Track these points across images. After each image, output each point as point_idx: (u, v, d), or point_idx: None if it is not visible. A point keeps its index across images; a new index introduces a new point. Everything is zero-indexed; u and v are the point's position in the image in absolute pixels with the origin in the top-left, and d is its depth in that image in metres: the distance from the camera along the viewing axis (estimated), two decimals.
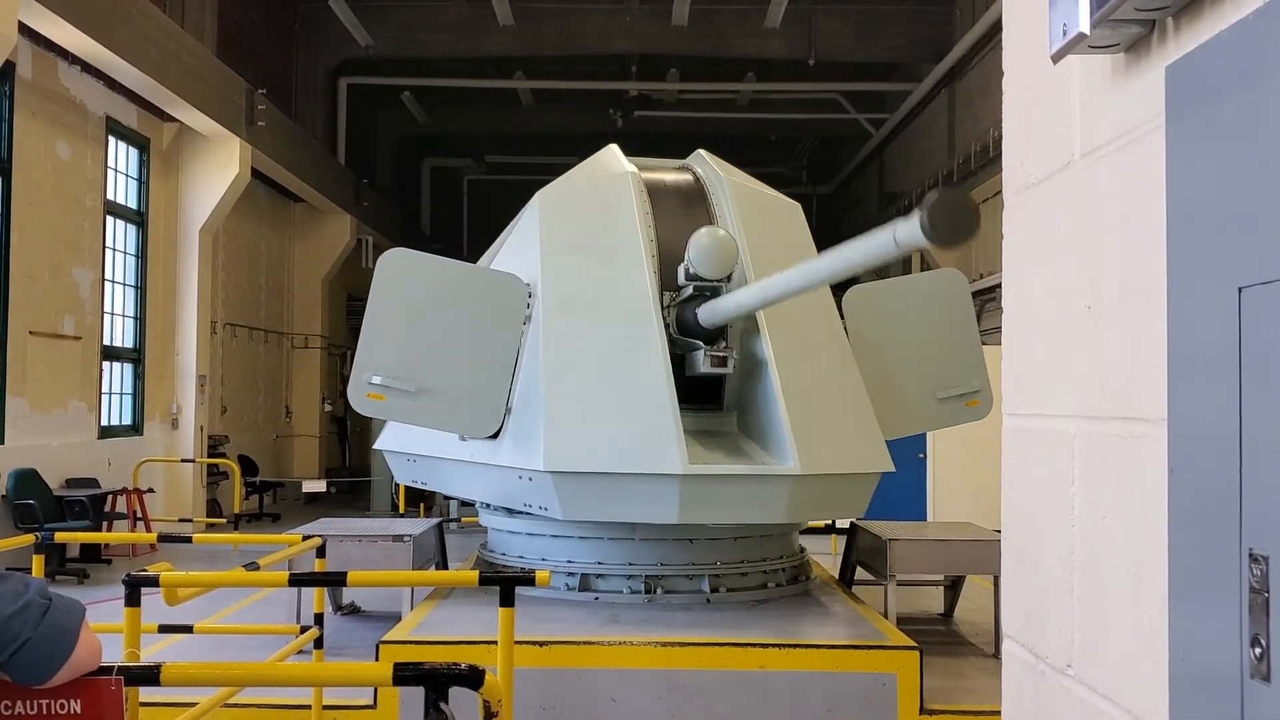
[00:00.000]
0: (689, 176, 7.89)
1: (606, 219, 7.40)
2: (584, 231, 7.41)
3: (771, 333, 7.03)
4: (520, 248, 7.60)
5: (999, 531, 2.10)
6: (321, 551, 6.15)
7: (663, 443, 6.53)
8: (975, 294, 18.06)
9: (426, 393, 6.79)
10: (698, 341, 6.88)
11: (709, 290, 6.82)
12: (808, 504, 6.94)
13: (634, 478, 6.54)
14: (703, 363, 6.85)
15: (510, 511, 7.72)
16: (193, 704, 4.62)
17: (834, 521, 11.72)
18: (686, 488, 6.52)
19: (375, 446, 9.19)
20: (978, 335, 8.24)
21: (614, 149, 8.02)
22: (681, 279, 6.91)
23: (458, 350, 6.91)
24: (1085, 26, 1.43)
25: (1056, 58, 1.55)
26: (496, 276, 7.19)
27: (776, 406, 6.78)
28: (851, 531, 8.81)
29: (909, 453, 12.76)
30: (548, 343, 6.84)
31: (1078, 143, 1.69)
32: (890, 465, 7.17)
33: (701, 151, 8.18)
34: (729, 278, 6.86)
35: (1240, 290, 1.22)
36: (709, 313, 6.67)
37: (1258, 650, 1.20)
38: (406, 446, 8.20)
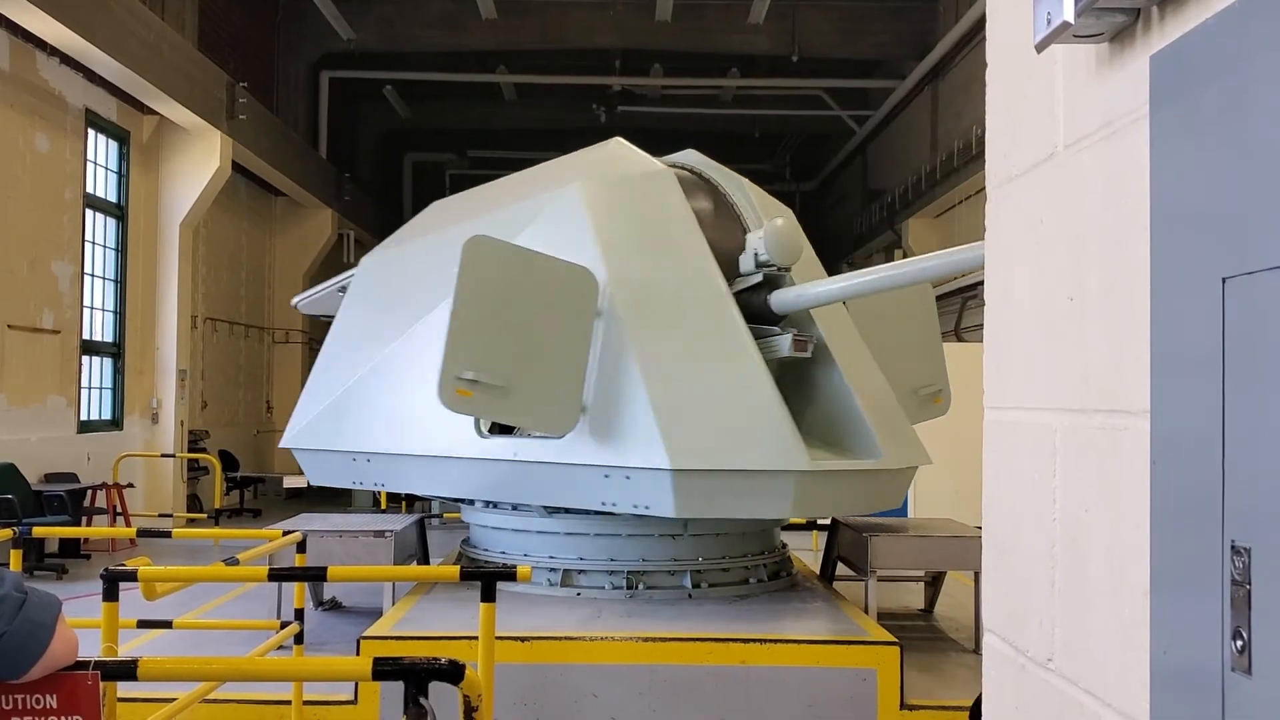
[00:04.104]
0: (690, 174, 7.91)
1: (658, 215, 7.32)
2: (639, 227, 7.26)
3: (825, 328, 7.21)
4: (557, 236, 7.18)
5: (979, 527, 2.10)
6: (302, 547, 6.13)
7: (782, 439, 6.51)
8: (957, 291, 18.14)
9: (514, 389, 6.42)
10: (770, 327, 7.02)
11: (774, 277, 7.01)
12: (883, 496, 7.16)
13: (753, 474, 6.48)
14: (788, 348, 6.92)
15: (490, 505, 7.70)
16: (171, 699, 4.60)
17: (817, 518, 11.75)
18: (802, 484, 6.53)
19: (282, 445, 8.81)
20: (939, 335, 8.54)
21: (621, 141, 7.92)
22: (749, 266, 7.05)
23: (537, 344, 6.58)
24: (1070, 15, 1.42)
25: (1040, 47, 1.54)
26: (568, 268, 6.80)
27: (853, 402, 6.96)
28: (833, 527, 8.83)
29: None
30: (635, 338, 6.65)
31: (1061, 134, 1.69)
32: (929, 459, 7.48)
33: (691, 151, 8.19)
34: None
35: (1224, 281, 1.22)
36: (794, 297, 6.86)
37: (1239, 643, 1.19)
38: (350, 444, 7.99)
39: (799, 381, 7.09)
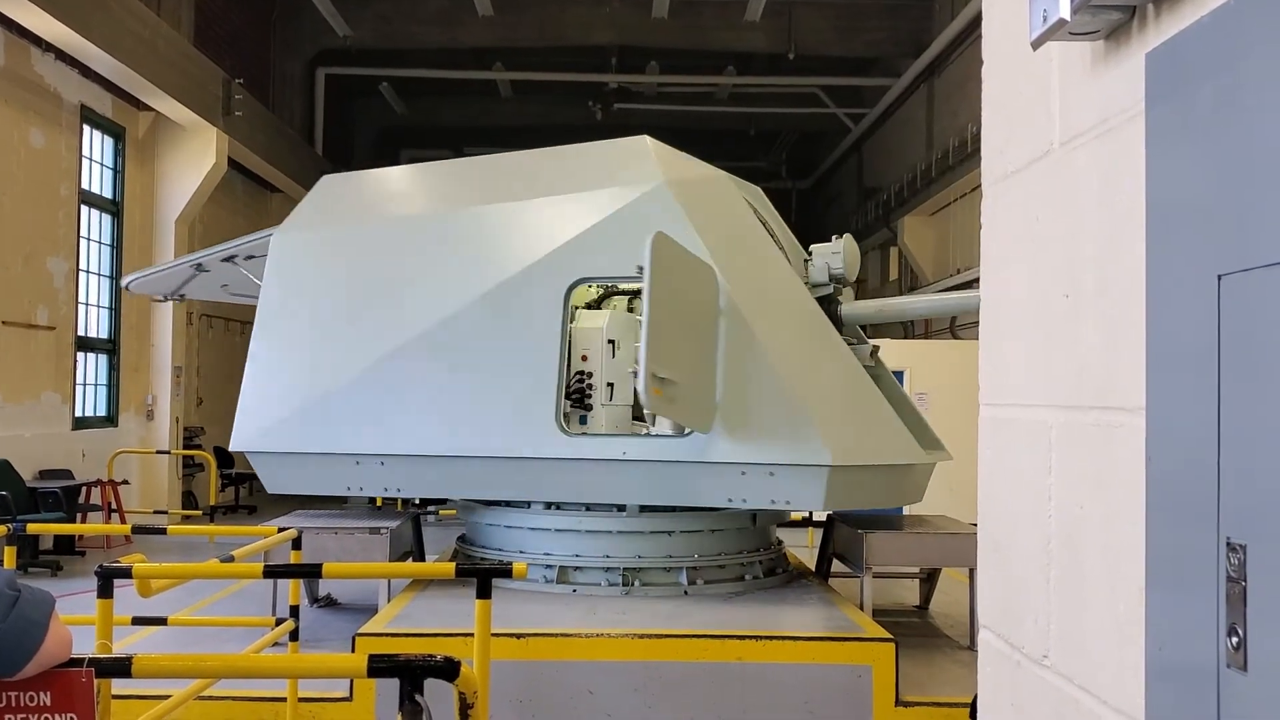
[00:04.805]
0: None
1: (735, 218, 7.40)
2: (727, 228, 7.25)
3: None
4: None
5: (974, 524, 2.10)
6: (297, 544, 6.12)
7: (903, 436, 6.94)
8: (952, 289, 18.15)
9: (682, 385, 6.38)
10: (850, 337, 7.62)
11: (838, 291, 7.63)
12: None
13: (889, 469, 6.94)
14: (868, 356, 7.53)
15: (487, 503, 7.69)
16: (166, 696, 4.59)
17: (811, 514, 11.79)
18: (912, 476, 7.19)
19: (237, 448, 7.88)
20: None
21: (648, 139, 7.70)
22: (821, 278, 7.51)
23: (692, 341, 6.59)
24: (1066, 12, 1.42)
25: (1036, 44, 1.54)
26: (703, 265, 6.74)
27: (912, 404, 7.59)
28: (828, 524, 8.84)
29: None
30: (764, 338, 6.73)
31: (1057, 131, 1.69)
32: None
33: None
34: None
35: (1220, 278, 1.22)
36: (874, 311, 7.68)
37: (1235, 640, 1.19)
38: (352, 446, 7.39)
39: None
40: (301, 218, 8.55)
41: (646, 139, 7.67)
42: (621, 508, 7.24)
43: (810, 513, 11.81)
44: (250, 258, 8.90)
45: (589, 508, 7.28)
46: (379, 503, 16.02)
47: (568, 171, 7.81)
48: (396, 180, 9.00)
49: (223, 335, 19.44)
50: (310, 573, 5.41)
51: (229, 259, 9.21)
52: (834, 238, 7.69)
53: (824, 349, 7.01)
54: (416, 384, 7.35)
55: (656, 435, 7.03)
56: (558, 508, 7.37)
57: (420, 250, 7.77)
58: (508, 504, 7.56)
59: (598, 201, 7.31)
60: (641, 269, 6.24)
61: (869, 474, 6.79)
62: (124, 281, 10.11)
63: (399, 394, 7.38)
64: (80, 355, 14.36)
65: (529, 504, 7.46)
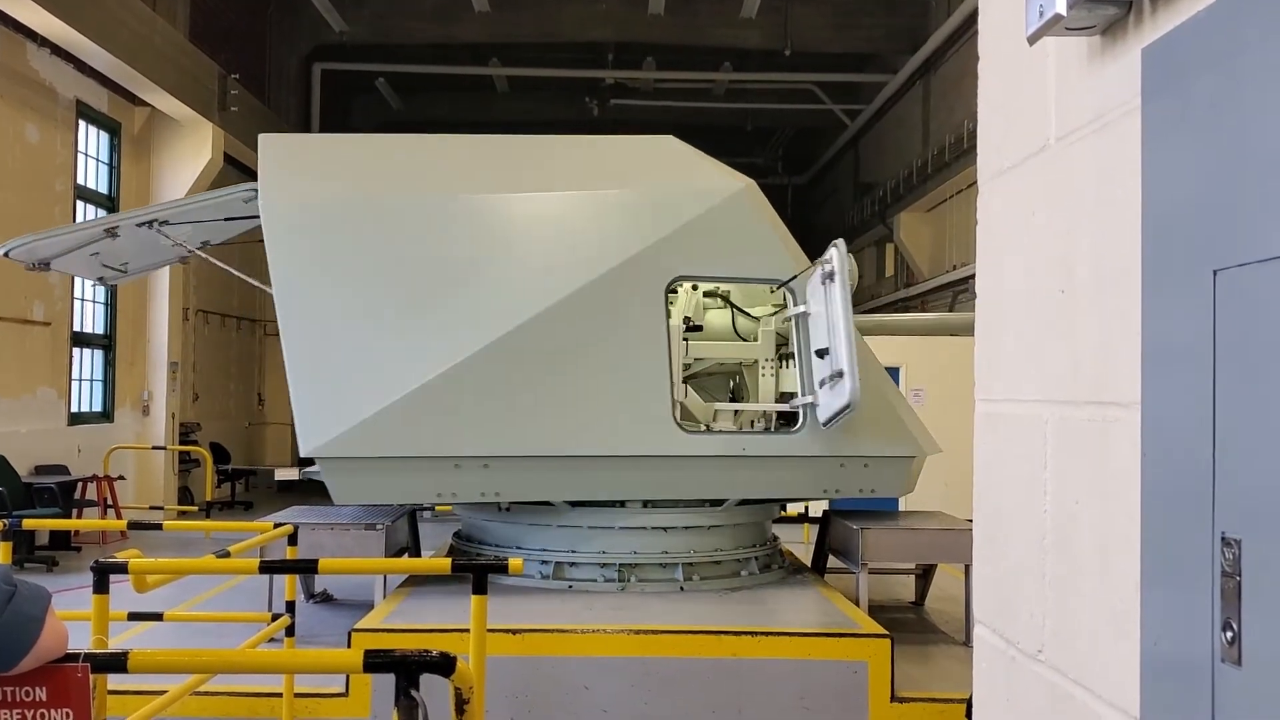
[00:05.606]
0: None
1: (777, 222, 7.60)
2: (777, 230, 7.49)
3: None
4: (741, 236, 7.28)
5: (970, 520, 2.10)
6: (293, 539, 6.12)
7: (923, 429, 7.57)
8: (948, 285, 18.17)
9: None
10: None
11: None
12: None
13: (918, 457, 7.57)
14: None
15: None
16: (162, 692, 4.58)
17: (807, 509, 11.80)
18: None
19: (310, 453, 6.82)
20: None
21: (673, 139, 7.64)
22: None
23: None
24: (1062, 8, 1.43)
25: (1033, 40, 1.54)
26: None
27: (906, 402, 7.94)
28: (824, 520, 8.85)
29: None
30: (854, 337, 7.02)
31: (1053, 126, 1.69)
32: None
33: None
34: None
35: (1215, 273, 1.22)
36: (871, 325, 8.45)
37: (1229, 634, 1.20)
38: (451, 449, 6.84)
39: None
40: (285, 182, 7.38)
41: (674, 140, 7.68)
42: (621, 503, 7.27)
43: (806, 508, 11.83)
44: (166, 224, 8.33)
45: (583, 503, 7.30)
46: None
47: (618, 167, 7.62)
48: (403, 149, 8.24)
49: (218, 331, 19.41)
50: (306, 568, 5.41)
51: (146, 224, 8.38)
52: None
53: (864, 351, 7.34)
54: (521, 381, 6.88)
55: (720, 432, 7.47)
56: (549, 504, 7.37)
57: (487, 235, 7.19)
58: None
59: (683, 200, 7.21)
60: (833, 274, 6.72)
61: (927, 463, 7.55)
62: (1, 249, 8.69)
63: (503, 392, 6.87)
64: (76, 351, 14.34)
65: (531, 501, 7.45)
